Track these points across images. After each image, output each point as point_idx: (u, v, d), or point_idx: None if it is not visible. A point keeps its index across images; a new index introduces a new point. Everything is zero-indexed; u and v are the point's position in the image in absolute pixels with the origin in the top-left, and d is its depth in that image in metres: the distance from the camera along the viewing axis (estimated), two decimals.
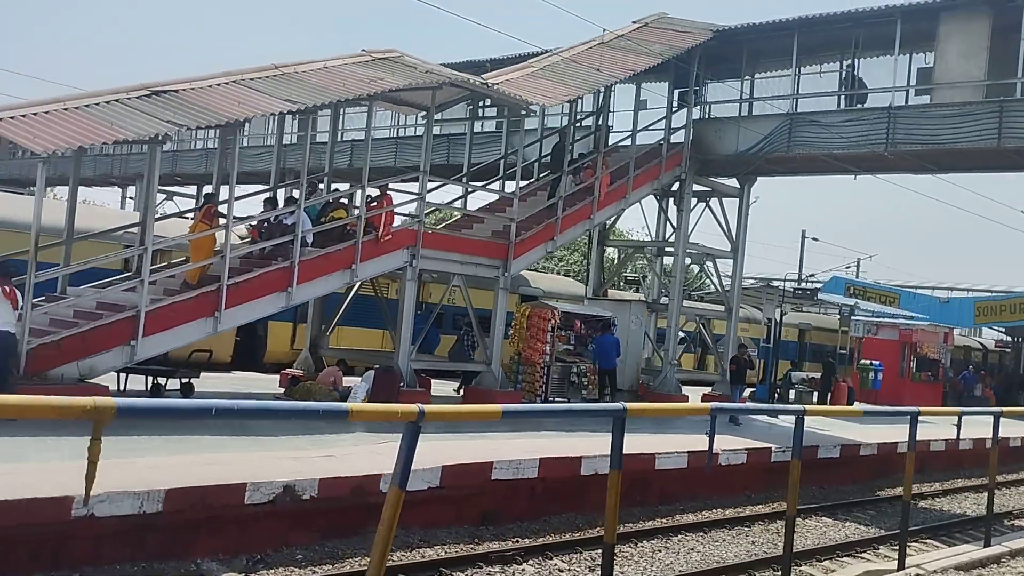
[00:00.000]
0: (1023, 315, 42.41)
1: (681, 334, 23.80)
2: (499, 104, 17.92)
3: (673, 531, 11.94)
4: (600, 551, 7.60)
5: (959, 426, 12.89)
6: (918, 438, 10.52)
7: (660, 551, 10.93)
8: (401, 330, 15.73)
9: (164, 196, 44.02)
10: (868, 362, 35.23)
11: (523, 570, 9.64)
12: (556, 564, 9.93)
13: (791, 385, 28.28)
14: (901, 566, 10.77)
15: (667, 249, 23.59)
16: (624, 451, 6.49)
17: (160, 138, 11.73)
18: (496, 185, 21.78)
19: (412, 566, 9.37)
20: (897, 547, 11.02)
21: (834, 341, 40.07)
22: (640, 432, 14.26)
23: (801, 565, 10.94)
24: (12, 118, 11.43)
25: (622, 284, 30.22)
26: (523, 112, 18.01)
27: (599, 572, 7.27)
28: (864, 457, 18.21)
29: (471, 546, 10.52)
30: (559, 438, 13.73)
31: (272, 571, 9.09)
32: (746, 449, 15.36)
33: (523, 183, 18.99)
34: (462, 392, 18.36)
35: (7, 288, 10.59)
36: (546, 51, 20.30)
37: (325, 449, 11.53)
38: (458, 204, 21.89)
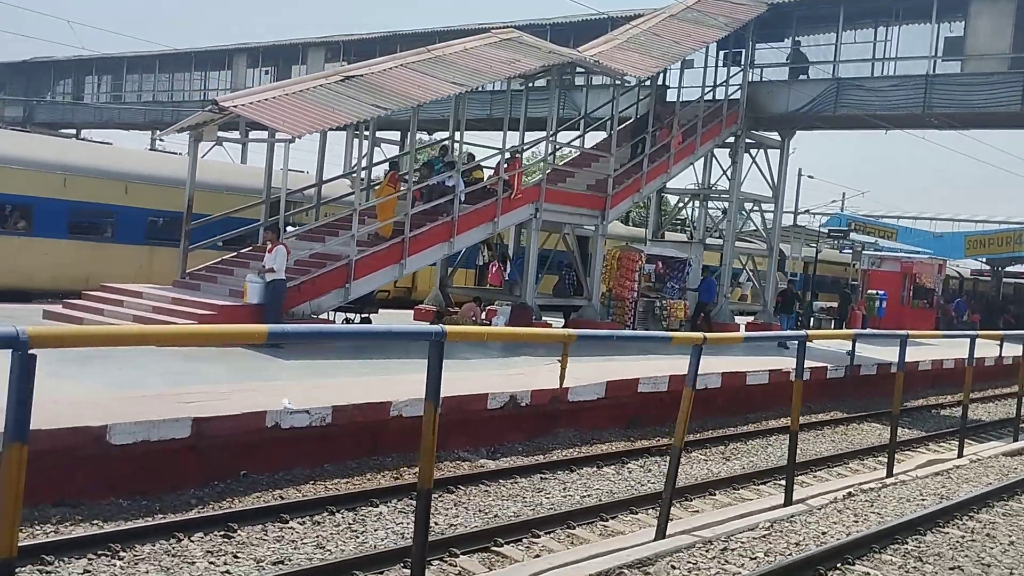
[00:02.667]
0: (1010, 247, 45.61)
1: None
2: (600, 74, 20.13)
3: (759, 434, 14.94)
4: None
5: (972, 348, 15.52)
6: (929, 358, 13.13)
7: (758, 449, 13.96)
8: (527, 273, 18.35)
9: (215, 141, 46.13)
10: (874, 292, 38.21)
11: (655, 461, 12.37)
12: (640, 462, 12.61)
13: (811, 314, 31.20)
14: (960, 454, 13.73)
15: (712, 195, 26.23)
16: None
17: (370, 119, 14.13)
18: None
19: (581, 460, 12.01)
20: (949, 444, 13.95)
21: (834, 272, 42.99)
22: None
23: (867, 458, 13.79)
24: (252, 104, 13.77)
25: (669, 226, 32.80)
26: (618, 82, 20.26)
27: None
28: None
29: (625, 443, 13.34)
30: (661, 360, 16.44)
31: (504, 458, 11.84)
32: (810, 367, 18.24)
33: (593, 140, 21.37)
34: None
35: (280, 244, 13.12)
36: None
37: (512, 369, 14.26)
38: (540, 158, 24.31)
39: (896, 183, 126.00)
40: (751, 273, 27.10)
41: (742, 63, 24.23)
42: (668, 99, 25.29)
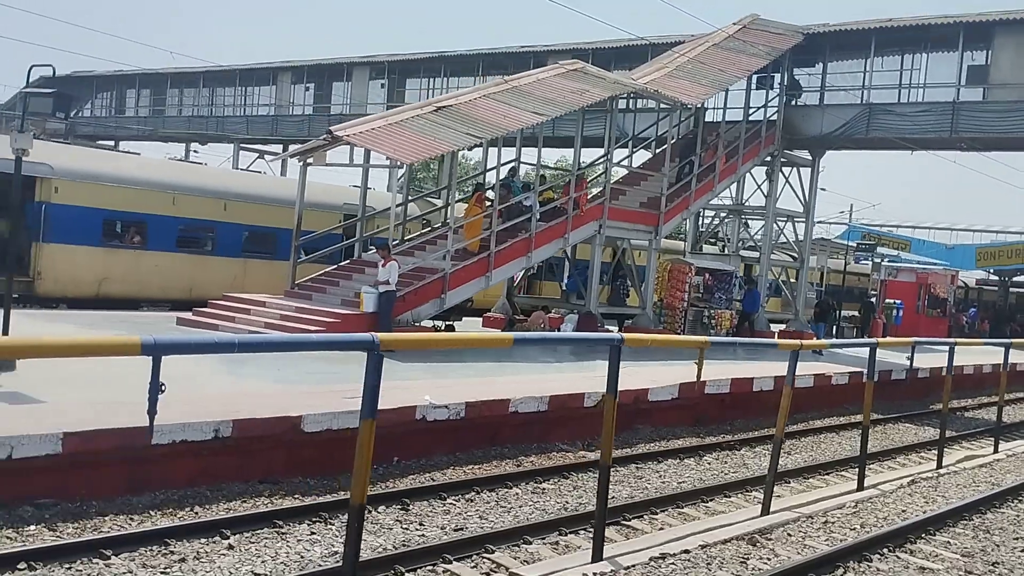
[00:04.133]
0: (1019, 259, 46.96)
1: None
2: (658, 101, 21.53)
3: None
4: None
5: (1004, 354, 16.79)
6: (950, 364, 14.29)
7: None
8: (591, 285, 19.77)
9: (257, 155, 47.73)
10: (891, 301, 39.61)
11: (716, 457, 13.70)
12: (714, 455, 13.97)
13: (835, 322, 32.58)
14: (996, 450, 15.10)
15: (746, 211, 27.66)
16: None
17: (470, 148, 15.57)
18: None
19: (652, 454, 13.32)
20: (980, 442, 15.31)
21: (850, 282, 44.42)
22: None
23: (911, 453, 15.13)
24: (363, 133, 15.20)
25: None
26: (664, 104, 21.66)
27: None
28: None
29: (697, 438, 14.69)
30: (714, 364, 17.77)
31: (596, 451, 13.21)
32: (848, 372, 19.63)
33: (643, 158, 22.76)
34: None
35: (392, 259, 14.56)
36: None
37: (590, 372, 15.65)
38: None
39: (904, 194, 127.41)
40: (783, 284, 28.50)
41: (778, 87, 25.65)
42: (707, 120, 26.74)
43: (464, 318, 22.06)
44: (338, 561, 7.50)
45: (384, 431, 10.64)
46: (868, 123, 24.12)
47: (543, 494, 10.47)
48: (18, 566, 6.67)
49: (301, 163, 16.78)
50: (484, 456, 11.84)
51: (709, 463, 13.26)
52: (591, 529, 9.11)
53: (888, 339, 17.13)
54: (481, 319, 21.37)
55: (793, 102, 25.55)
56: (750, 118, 25.58)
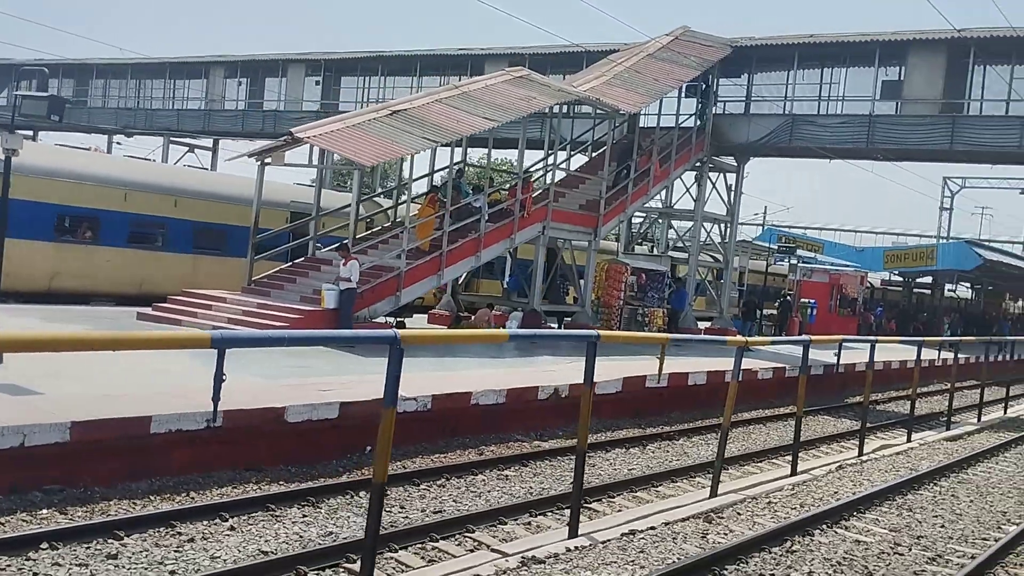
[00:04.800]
0: (922, 262, 49.40)
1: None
2: (599, 108, 22.33)
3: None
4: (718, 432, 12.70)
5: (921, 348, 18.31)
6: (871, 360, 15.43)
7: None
8: (535, 284, 20.50)
9: (187, 149, 47.23)
10: (806, 301, 41.41)
11: (659, 447, 14.60)
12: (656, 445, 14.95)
13: (759, 321, 34.02)
14: (909, 439, 16.34)
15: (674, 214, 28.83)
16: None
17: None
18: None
19: (601, 444, 14.10)
20: (893, 433, 16.55)
21: (767, 282, 46.22)
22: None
23: (833, 443, 16.29)
24: (324, 135, 15.64)
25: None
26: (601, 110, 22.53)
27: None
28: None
29: (639, 429, 15.56)
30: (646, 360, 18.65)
31: (549, 441, 13.95)
32: (771, 368, 20.80)
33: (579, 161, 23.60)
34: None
35: (353, 258, 15.03)
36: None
37: (533, 367, 16.37)
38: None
39: (815, 198, 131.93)
40: (709, 285, 29.73)
41: (707, 97, 26.80)
42: (641, 126, 27.74)
43: (414, 315, 22.63)
44: (334, 540, 8.05)
45: (358, 422, 11.23)
46: (791, 133, 25.42)
47: (507, 480, 11.14)
48: (40, 546, 7.07)
49: (259, 162, 17.08)
50: (447, 446, 12.46)
51: (653, 452, 14.10)
52: (557, 511, 9.86)
53: (822, 337, 18.23)
54: (427, 316, 21.93)
55: (712, 110, 26.72)
56: (681, 125, 26.67)
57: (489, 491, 10.48)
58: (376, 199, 23.99)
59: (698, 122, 26.45)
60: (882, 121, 24.40)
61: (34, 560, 6.86)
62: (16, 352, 4.29)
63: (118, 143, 49.32)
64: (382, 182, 45.05)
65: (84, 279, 18.46)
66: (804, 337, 13.29)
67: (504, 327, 19.76)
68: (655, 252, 30.22)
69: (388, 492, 9.82)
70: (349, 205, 18.98)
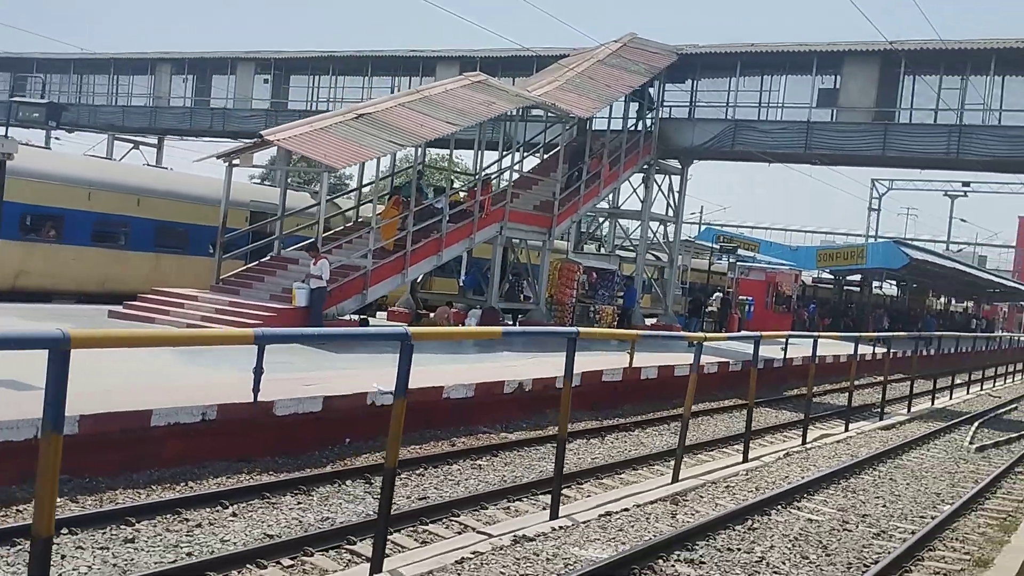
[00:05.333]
0: (853, 260, 51.22)
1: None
2: (553, 112, 23.00)
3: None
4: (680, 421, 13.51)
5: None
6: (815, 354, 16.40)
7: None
8: (493, 282, 21.10)
9: (132, 146, 46.61)
10: (744, 298, 42.73)
11: (616, 437, 15.38)
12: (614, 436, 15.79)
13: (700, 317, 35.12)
14: (847, 429, 17.34)
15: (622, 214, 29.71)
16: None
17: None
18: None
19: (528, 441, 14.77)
20: (832, 423, 17.53)
21: (703, 279, 47.54)
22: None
23: (777, 433, 17.23)
24: (293, 138, 16.03)
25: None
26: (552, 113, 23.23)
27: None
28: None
29: (596, 422, 16.25)
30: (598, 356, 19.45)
31: (516, 433, 14.56)
32: (716, 362, 21.70)
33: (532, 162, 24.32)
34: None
35: (323, 257, 15.43)
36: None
37: (496, 363, 16.96)
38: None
39: (748, 198, 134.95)
40: (654, 282, 30.66)
41: (647, 100, 27.69)
42: (590, 129, 28.53)
43: (376, 313, 23.04)
44: (332, 524, 8.55)
45: (339, 415, 11.72)
46: (734, 138, 26.42)
47: (481, 469, 11.71)
48: (61, 531, 7.45)
49: (227, 164, 17.36)
50: (422, 437, 12.99)
51: (611, 442, 14.81)
52: (531, 497, 10.48)
53: (772, 332, 19.18)
54: (386, 313, 22.37)
55: (658, 114, 27.65)
56: (629, 128, 27.52)
57: (466, 479, 11.05)
58: (335, 201, 24.32)
59: (645, 126, 27.27)
60: (819, 127, 25.53)
61: (57, 543, 7.24)
62: (94, 348, 4.72)
63: (56, 138, 48.62)
64: (341, 181, 45.24)
65: (47, 277, 18.52)
66: (755, 333, 14.09)
67: (464, 324, 20.35)
68: (602, 251, 31.04)
69: (371, 480, 10.36)
70: (314, 205, 19.36)
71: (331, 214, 22.45)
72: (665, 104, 28.31)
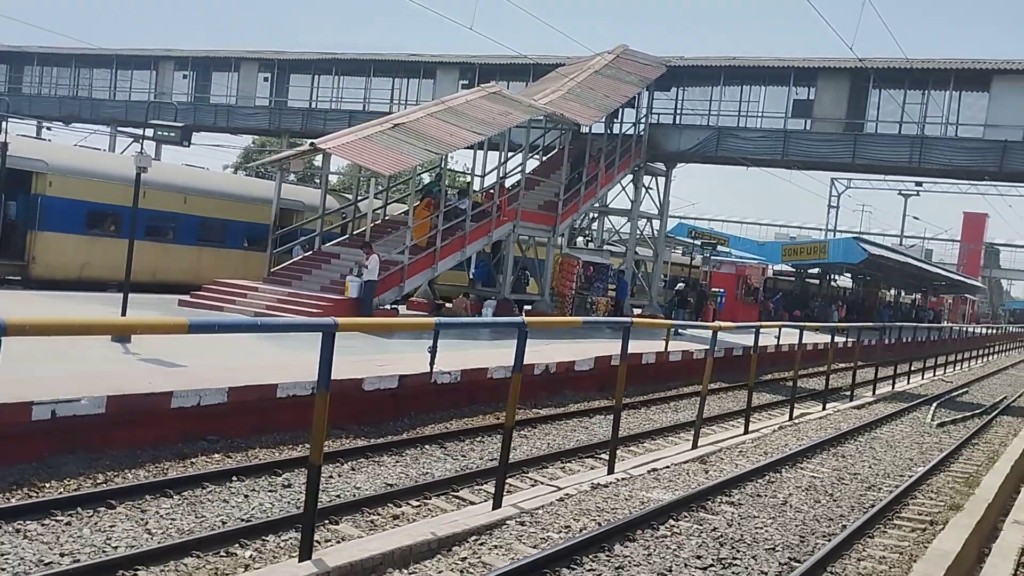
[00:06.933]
0: (815, 255, 53.71)
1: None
2: (561, 122, 24.79)
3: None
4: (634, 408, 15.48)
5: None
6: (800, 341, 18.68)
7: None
8: (506, 274, 22.86)
9: (132, 140, 47.48)
10: (716, 290, 44.92)
11: (627, 415, 17.31)
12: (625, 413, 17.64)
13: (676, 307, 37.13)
14: (824, 408, 19.39)
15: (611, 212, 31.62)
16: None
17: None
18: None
19: (558, 416, 16.59)
20: (808, 404, 19.60)
21: (677, 272, 49.67)
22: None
23: (763, 412, 19.23)
24: (342, 146, 17.63)
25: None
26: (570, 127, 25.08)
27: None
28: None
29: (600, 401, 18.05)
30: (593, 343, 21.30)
31: (545, 409, 16.35)
32: (681, 351, 23.67)
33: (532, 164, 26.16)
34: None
35: (374, 253, 17.11)
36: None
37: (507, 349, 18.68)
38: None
39: (715, 194, 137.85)
40: (640, 275, 32.64)
41: (644, 109, 29.59)
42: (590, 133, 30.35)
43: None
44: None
45: (409, 391, 13.44)
46: (718, 144, 28.42)
47: (526, 439, 13.49)
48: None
49: (279, 169, 18.93)
50: (470, 411, 14.73)
51: (626, 418, 16.69)
52: (579, 459, 12.31)
53: (769, 323, 21.16)
54: (406, 305, 24.03)
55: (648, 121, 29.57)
56: (621, 133, 29.40)
57: (517, 446, 12.83)
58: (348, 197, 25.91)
59: (636, 131, 29.16)
60: (795, 136, 27.62)
61: (230, 489, 8.91)
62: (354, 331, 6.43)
63: (47, 127, 49.39)
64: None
65: (108, 269, 19.90)
66: (754, 323, 16.01)
67: (481, 314, 22.10)
68: (590, 246, 32.94)
69: (444, 445, 12.10)
70: (348, 205, 20.96)
71: (358, 215, 24.01)
72: (653, 112, 30.19)
